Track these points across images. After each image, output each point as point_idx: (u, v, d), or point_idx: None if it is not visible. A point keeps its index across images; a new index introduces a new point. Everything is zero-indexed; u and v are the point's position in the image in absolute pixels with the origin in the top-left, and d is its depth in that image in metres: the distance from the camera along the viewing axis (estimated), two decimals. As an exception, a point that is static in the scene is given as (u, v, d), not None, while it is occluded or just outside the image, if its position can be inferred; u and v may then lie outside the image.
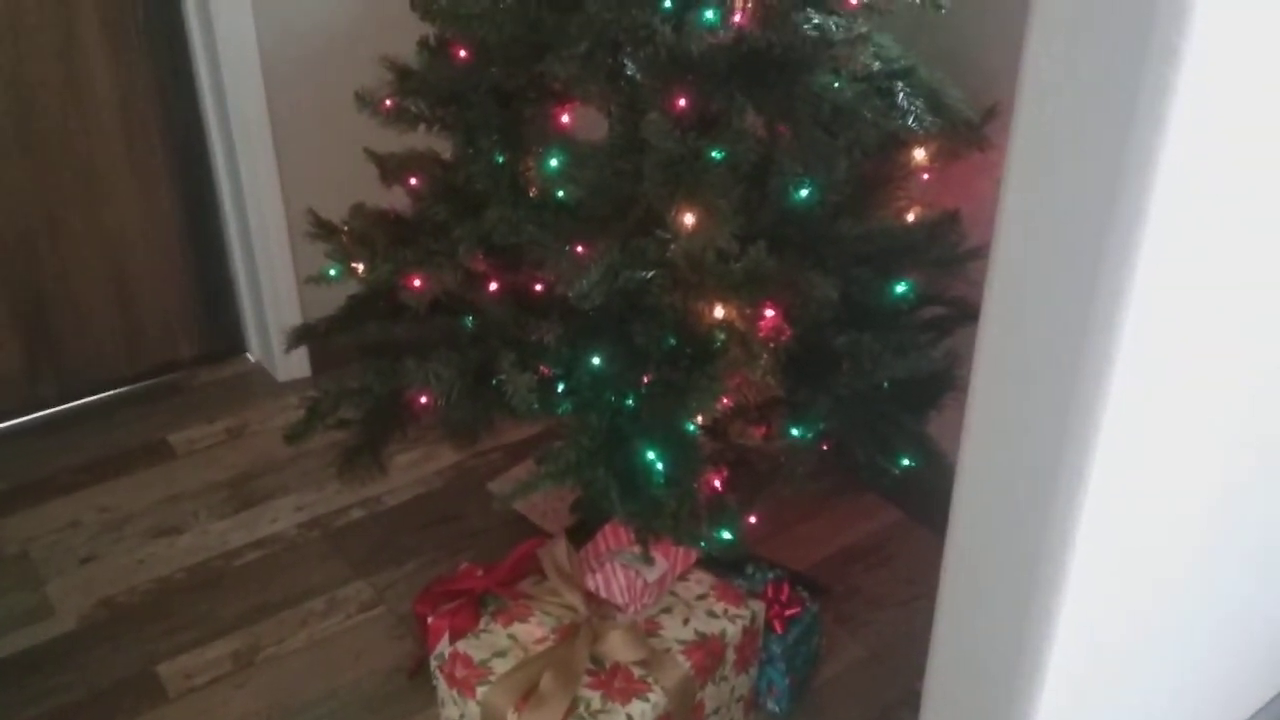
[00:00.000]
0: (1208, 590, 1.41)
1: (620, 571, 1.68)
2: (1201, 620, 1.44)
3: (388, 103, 1.68)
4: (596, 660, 1.60)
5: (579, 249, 1.52)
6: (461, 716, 1.63)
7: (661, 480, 1.57)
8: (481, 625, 1.67)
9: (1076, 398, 1.02)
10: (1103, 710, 1.33)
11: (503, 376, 1.59)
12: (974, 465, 1.17)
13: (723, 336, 1.53)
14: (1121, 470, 1.08)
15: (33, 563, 2.13)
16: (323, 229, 1.77)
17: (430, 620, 1.75)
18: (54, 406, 2.55)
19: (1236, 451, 1.27)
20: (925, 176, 1.69)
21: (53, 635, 1.98)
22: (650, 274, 1.53)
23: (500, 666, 1.60)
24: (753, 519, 1.78)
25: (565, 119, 1.60)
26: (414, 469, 2.37)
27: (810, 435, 1.70)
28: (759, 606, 1.73)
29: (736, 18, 1.41)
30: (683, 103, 1.46)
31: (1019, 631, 1.17)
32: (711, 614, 1.69)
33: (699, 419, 1.58)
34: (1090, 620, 1.18)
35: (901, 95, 1.53)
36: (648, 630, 1.66)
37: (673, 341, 1.59)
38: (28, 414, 2.52)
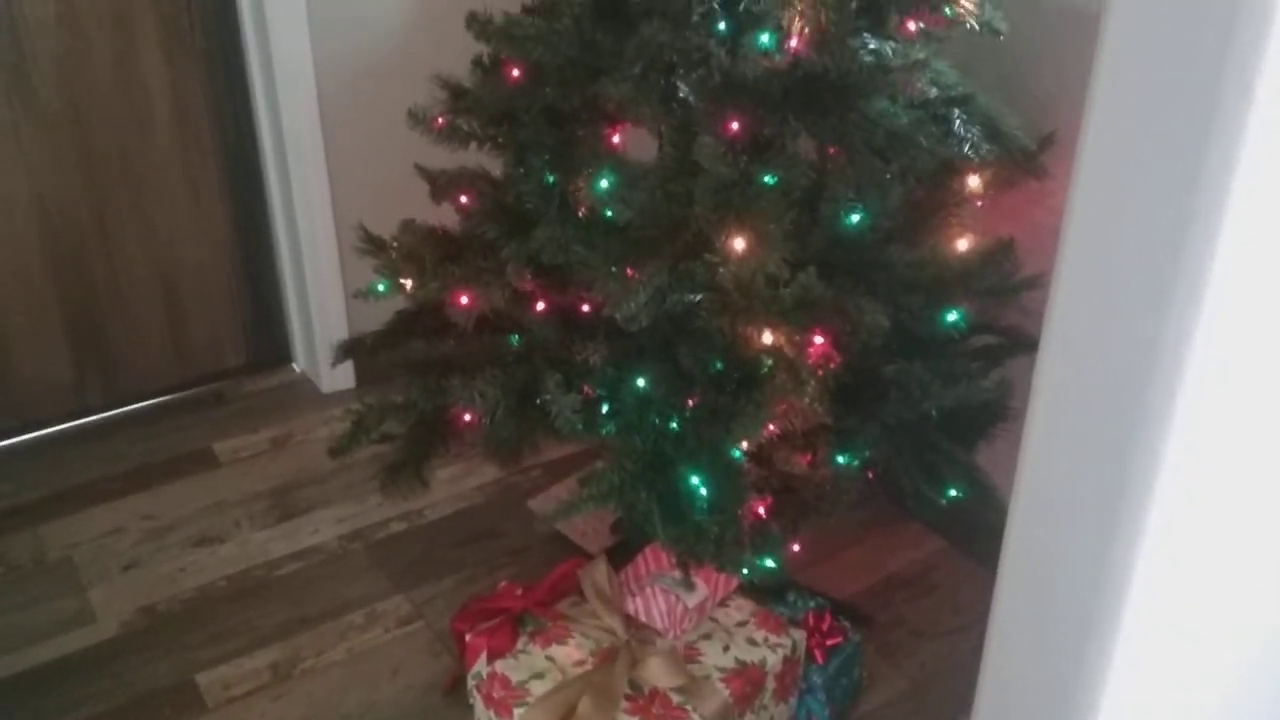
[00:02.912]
0: (1274, 643, 1.38)
1: (660, 596, 1.67)
2: (1268, 666, 1.40)
3: (440, 120, 1.69)
4: (635, 685, 1.59)
5: (627, 270, 1.52)
6: (498, 738, 1.62)
7: (704, 505, 1.55)
8: (520, 646, 1.67)
9: (1139, 433, 1.00)
10: (1155, 755, 1.30)
11: (547, 396, 1.58)
12: (1030, 500, 1.15)
13: (770, 362, 1.51)
14: (1184, 509, 1.05)
15: (75, 569, 2.15)
16: (372, 244, 1.78)
17: (468, 638, 1.74)
18: (100, 413, 2.58)
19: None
20: (979, 204, 1.67)
21: (94, 642, 1.99)
22: (698, 297, 1.52)
23: (538, 688, 1.59)
24: (795, 546, 1.76)
25: (616, 140, 1.60)
26: (455, 484, 2.37)
27: (856, 463, 1.69)
28: (800, 635, 1.71)
29: (792, 42, 1.40)
30: (735, 126, 1.45)
31: (1072, 670, 1.15)
32: (752, 642, 1.67)
33: (744, 444, 1.57)
34: (1146, 661, 1.15)
35: (958, 122, 1.52)
36: (687, 656, 1.64)
37: (719, 366, 1.58)
38: (74, 420, 2.55)
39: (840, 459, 1.67)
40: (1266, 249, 0.94)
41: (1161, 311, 0.94)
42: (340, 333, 2.50)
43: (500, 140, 1.67)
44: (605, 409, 1.64)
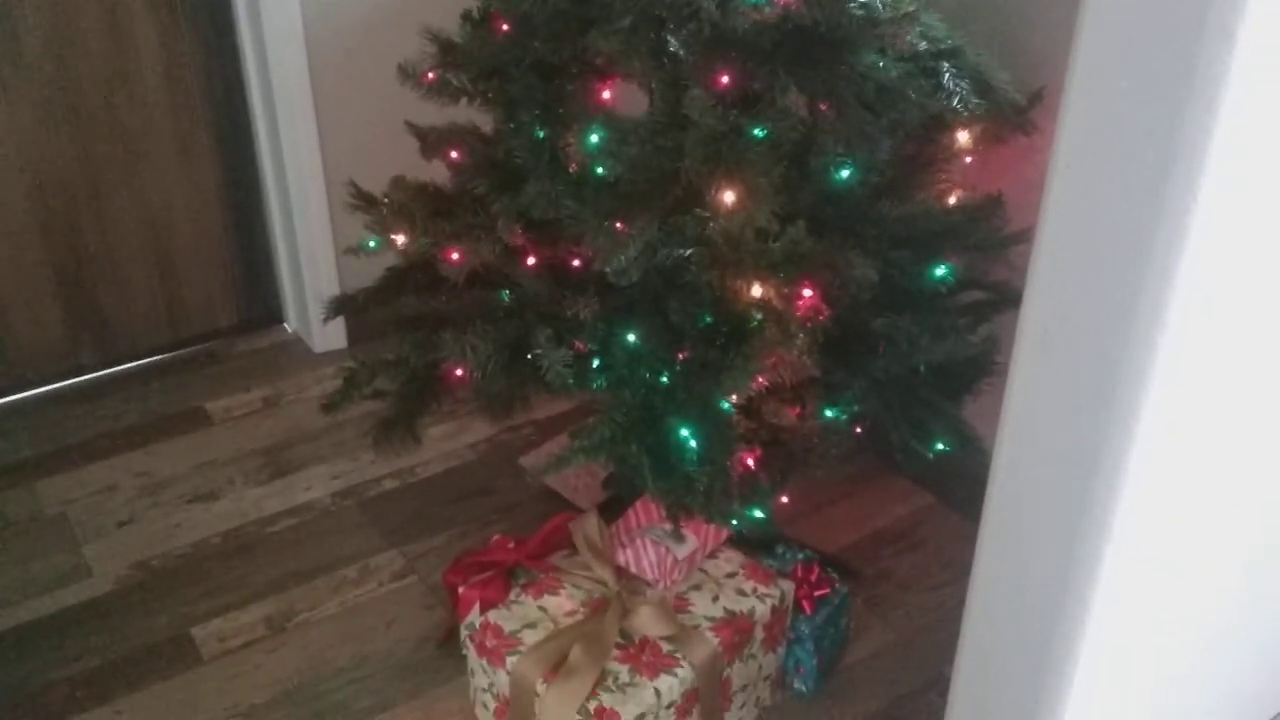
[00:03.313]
0: (1249, 587, 1.40)
1: (651, 547, 1.69)
2: (1240, 613, 1.42)
3: (430, 75, 1.69)
4: (626, 635, 1.61)
5: (618, 225, 1.52)
6: (491, 685, 1.65)
7: (694, 458, 1.57)
8: (512, 597, 1.69)
9: (1118, 385, 1.01)
10: (1134, 698, 1.33)
11: (538, 351, 1.59)
12: (1011, 452, 1.16)
13: (760, 315, 1.52)
14: (1162, 461, 1.07)
15: (71, 525, 2.17)
16: (363, 200, 1.78)
17: (461, 590, 1.76)
18: (94, 372, 2.58)
19: (1280, 443, 1.26)
20: (968, 159, 1.68)
21: (89, 596, 2.01)
22: (688, 251, 1.53)
23: (530, 637, 1.61)
24: (784, 499, 1.78)
25: (606, 95, 1.60)
26: (447, 441, 2.38)
27: (845, 417, 1.70)
28: (788, 586, 1.74)
29: (782, -5, 1.40)
30: (725, 80, 1.46)
31: (1051, 618, 1.17)
32: (741, 592, 1.69)
33: (733, 397, 1.58)
34: (1124, 609, 1.17)
35: (947, 76, 1.52)
36: (677, 607, 1.66)
37: (709, 319, 1.59)
38: (68, 379, 2.56)
39: (829, 412, 1.68)
40: (1246, 197, 0.95)
41: (1142, 263, 0.96)
42: (331, 290, 2.51)
43: (490, 95, 1.67)
44: (596, 363, 1.65)
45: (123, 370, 2.61)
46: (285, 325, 2.79)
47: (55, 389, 2.54)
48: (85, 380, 2.57)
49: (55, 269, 2.45)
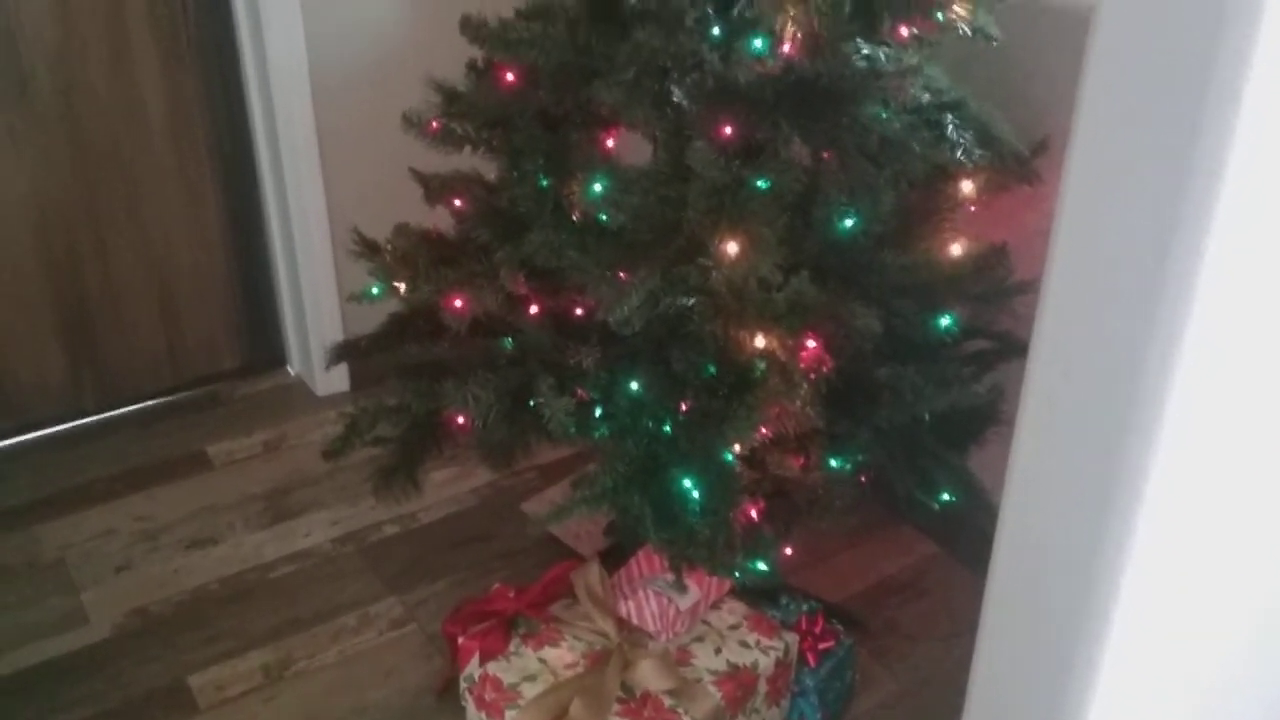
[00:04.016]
0: (1258, 644, 1.38)
1: (653, 598, 1.67)
2: (1248, 669, 1.40)
3: (434, 124, 1.69)
4: (627, 688, 1.59)
5: (620, 274, 1.52)
6: (490, 740, 1.62)
7: (697, 509, 1.56)
8: (512, 648, 1.67)
9: (1127, 438, 1.00)
10: (1144, 759, 1.31)
11: (540, 399, 1.58)
12: (1019, 503, 1.15)
13: (763, 366, 1.52)
14: (1174, 513, 1.05)
15: (68, 570, 2.15)
16: (366, 247, 1.78)
17: (460, 641, 1.74)
18: (94, 415, 2.58)
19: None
20: (972, 209, 1.67)
21: (86, 643, 1.99)
22: (691, 301, 1.53)
23: (530, 691, 1.59)
24: (788, 550, 1.77)
25: (610, 144, 1.60)
26: (448, 487, 2.37)
27: (849, 467, 1.69)
28: (792, 638, 1.72)
29: (785, 47, 1.40)
30: (728, 131, 1.46)
31: (1061, 677, 1.15)
32: (744, 644, 1.67)
33: (737, 448, 1.57)
34: (1133, 669, 1.15)
35: (951, 128, 1.52)
36: (679, 659, 1.64)
37: (712, 369, 1.59)
38: (68, 422, 2.55)
39: (833, 462, 1.67)
40: (1254, 254, 0.94)
41: (1150, 316, 0.95)
42: (334, 335, 2.50)
43: (494, 144, 1.68)
44: (598, 412, 1.64)
45: (124, 413, 2.60)
46: (288, 368, 2.78)
47: (55, 431, 2.53)
48: (86, 423, 2.57)
49: (57, 310, 2.45)
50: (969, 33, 1.51)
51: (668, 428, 1.61)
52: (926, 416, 1.66)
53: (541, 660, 1.64)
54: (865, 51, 1.47)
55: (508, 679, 1.61)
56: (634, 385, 1.60)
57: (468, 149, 1.70)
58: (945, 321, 1.65)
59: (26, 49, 2.22)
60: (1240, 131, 0.86)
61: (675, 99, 1.49)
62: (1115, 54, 0.92)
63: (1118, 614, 1.09)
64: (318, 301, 2.58)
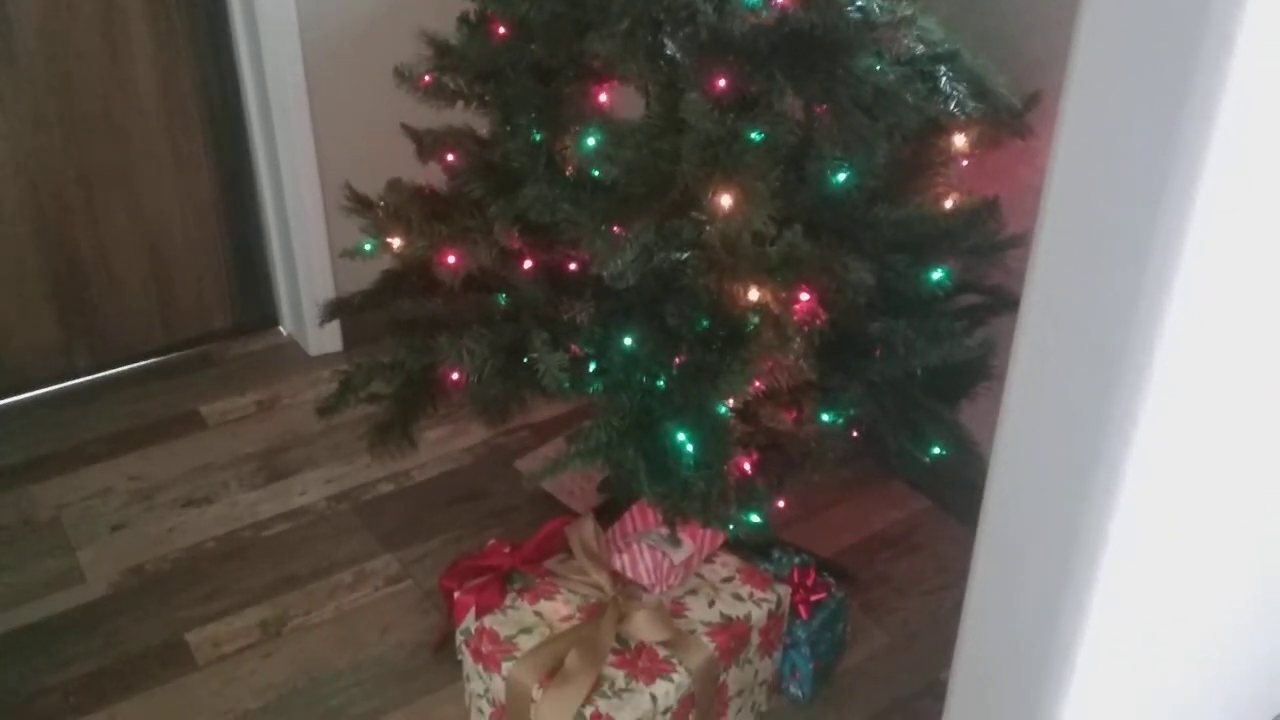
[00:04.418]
0: (1248, 587, 1.40)
1: (647, 552, 1.69)
2: (1239, 615, 1.42)
3: (426, 78, 1.68)
4: (622, 640, 1.61)
5: (614, 229, 1.52)
6: (486, 691, 1.64)
7: (691, 462, 1.56)
8: (508, 602, 1.68)
9: (1116, 390, 1.01)
10: (1132, 703, 1.33)
11: (535, 354, 1.59)
12: (1009, 456, 1.16)
13: (756, 319, 1.52)
14: (1158, 466, 1.06)
15: (64, 529, 2.16)
16: (358, 203, 1.77)
17: (456, 595, 1.76)
18: (87, 375, 2.57)
19: None
20: (965, 163, 1.67)
21: (83, 601, 2.00)
22: (685, 255, 1.53)
23: (526, 643, 1.60)
24: (781, 503, 1.78)
25: (603, 98, 1.60)
26: (443, 445, 2.38)
27: (841, 421, 1.70)
28: (784, 591, 1.73)
29: (779, -2, 1.40)
30: (722, 83, 1.45)
31: (1049, 624, 1.16)
32: (737, 597, 1.69)
33: (730, 402, 1.58)
34: (1121, 615, 1.17)
35: (944, 80, 1.52)
36: (673, 611, 1.66)
37: (705, 323, 1.59)
38: (62, 382, 2.55)
39: (825, 416, 1.68)
40: (1244, 207, 0.95)
41: (1140, 268, 0.95)
42: (327, 293, 2.50)
43: (486, 98, 1.67)
44: (592, 367, 1.65)
45: (117, 373, 2.60)
46: (280, 328, 2.78)
47: (49, 392, 2.53)
48: (79, 383, 2.56)
49: (49, 272, 2.44)
50: (963, -16, 1.50)
51: (661, 382, 1.61)
52: (918, 371, 1.67)
53: (537, 613, 1.66)
54: (859, 2, 1.47)
55: (504, 631, 1.62)
56: (628, 340, 1.61)
57: (460, 104, 1.69)
58: (937, 275, 1.65)
59: (14, 10, 2.20)
60: (1232, 82, 0.86)
61: (669, 51, 1.49)
62: (1108, 5, 0.92)
63: (1105, 562, 1.10)
64: (309, 260, 2.57)
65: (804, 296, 1.49)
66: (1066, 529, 1.11)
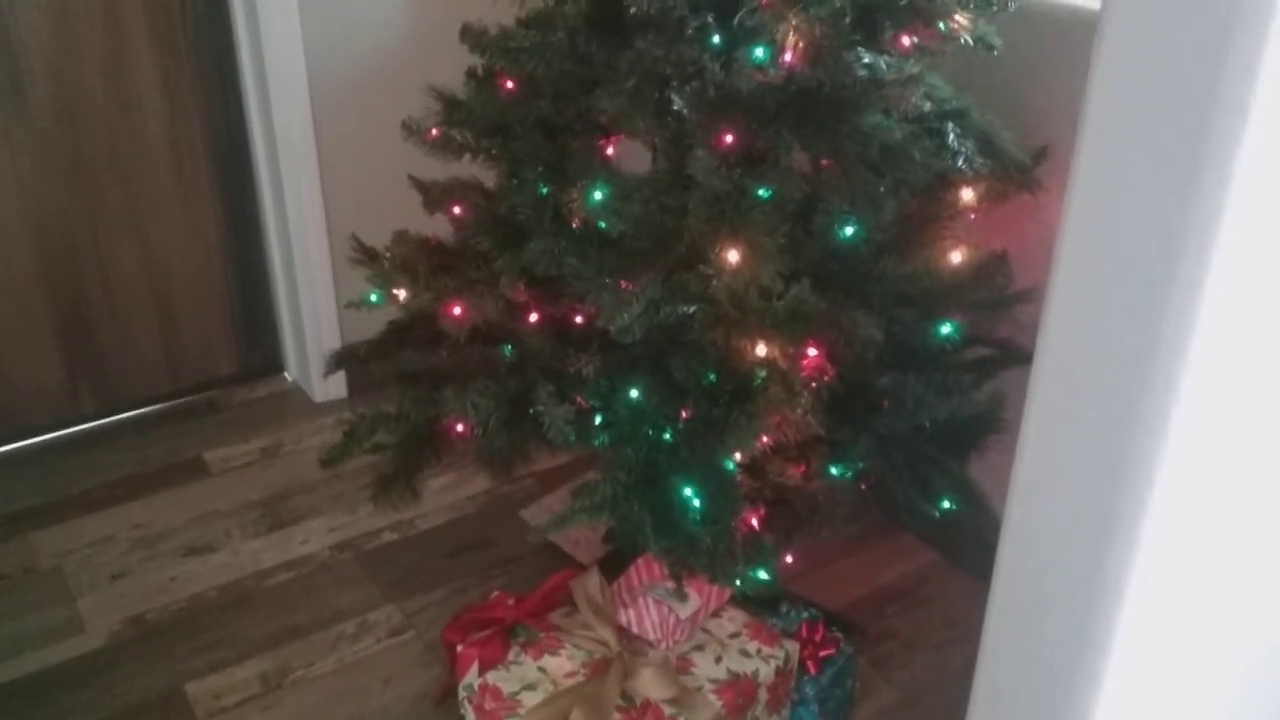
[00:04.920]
0: (1266, 654, 1.38)
1: (653, 607, 1.67)
2: (1260, 678, 1.40)
3: (434, 132, 1.69)
4: (627, 697, 1.59)
5: (621, 282, 1.52)
6: (489, 750, 1.62)
7: (698, 517, 1.55)
8: (511, 656, 1.66)
9: (1133, 447, 1.00)
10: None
11: (540, 407, 1.58)
12: (1023, 512, 1.15)
13: (764, 374, 1.51)
14: (1178, 523, 1.05)
15: (65, 578, 2.14)
16: (365, 254, 1.78)
17: (459, 649, 1.73)
18: (92, 421, 2.57)
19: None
20: (973, 217, 1.67)
21: (82, 651, 1.98)
22: (692, 309, 1.52)
23: (530, 700, 1.58)
24: (788, 558, 1.76)
25: (610, 152, 1.60)
26: (447, 494, 2.36)
27: (850, 475, 1.69)
28: (793, 646, 1.71)
29: (787, 56, 1.40)
30: (729, 140, 1.46)
31: (1065, 686, 1.15)
32: (744, 653, 1.67)
33: (737, 456, 1.57)
34: (1138, 678, 1.15)
35: (952, 136, 1.52)
36: (679, 668, 1.64)
37: (712, 378, 1.58)
38: (66, 428, 2.54)
39: (833, 470, 1.67)
40: (1261, 264, 0.94)
41: (1155, 326, 0.95)
42: (332, 342, 2.50)
43: (494, 152, 1.67)
44: (598, 420, 1.64)
45: (121, 419, 2.59)
46: (285, 375, 2.78)
47: (52, 438, 2.53)
48: (83, 429, 2.56)
49: (55, 315, 2.44)
50: (970, 42, 1.51)
51: (668, 436, 1.60)
52: (927, 424, 1.66)
53: (541, 669, 1.64)
54: (867, 60, 1.47)
55: (507, 688, 1.60)
56: (634, 393, 1.60)
57: (467, 157, 1.69)
58: (946, 329, 1.65)
59: (24, 55, 2.21)
60: (1247, 140, 0.86)
61: (676, 108, 1.49)
62: (1121, 62, 0.92)
63: (1122, 626, 1.09)
64: (316, 308, 2.57)
65: (811, 351, 1.48)
66: (1083, 587, 1.09)
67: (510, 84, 1.62)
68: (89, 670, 1.94)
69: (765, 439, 1.55)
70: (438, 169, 1.75)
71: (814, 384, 1.49)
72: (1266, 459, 1.13)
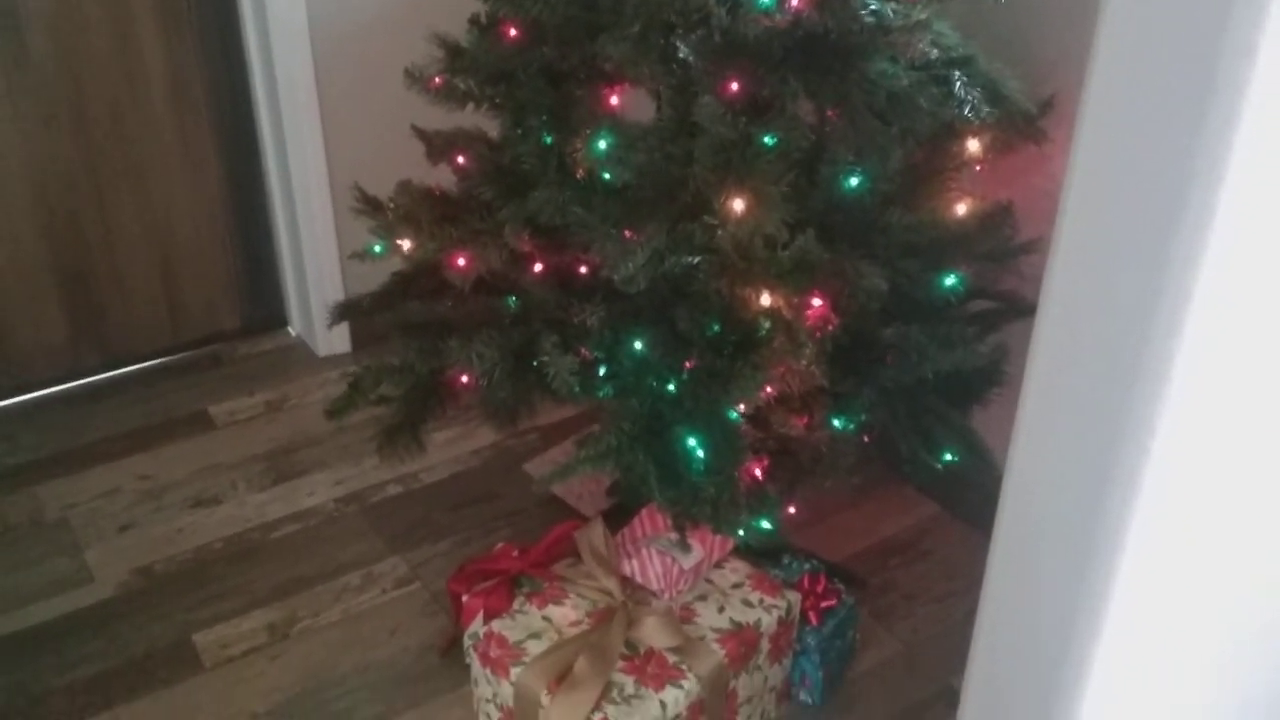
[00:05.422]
0: (1268, 591, 1.38)
1: (656, 557, 1.68)
2: (1258, 619, 1.41)
3: (437, 80, 1.68)
4: (631, 645, 1.60)
5: (625, 232, 1.51)
6: (494, 696, 1.63)
7: (701, 467, 1.56)
8: (516, 606, 1.67)
9: (1134, 398, 1.00)
10: (1149, 707, 1.31)
11: (545, 358, 1.58)
12: (1025, 463, 1.15)
13: (768, 324, 1.51)
14: (1177, 474, 1.05)
15: (72, 529, 2.16)
16: (368, 205, 1.77)
17: (465, 599, 1.75)
18: (96, 375, 2.57)
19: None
20: (978, 168, 1.66)
21: (90, 602, 2.00)
22: (697, 259, 1.52)
23: (534, 648, 1.60)
24: (791, 509, 1.77)
25: (615, 100, 1.59)
26: (451, 447, 2.37)
27: (853, 426, 1.69)
28: (795, 597, 1.72)
29: (793, 2, 1.39)
30: (735, 87, 1.44)
31: (1065, 632, 1.15)
32: (747, 603, 1.68)
33: (741, 407, 1.57)
34: (1138, 624, 1.15)
35: (958, 84, 1.51)
36: (683, 617, 1.65)
37: (717, 328, 1.58)
38: (70, 382, 2.55)
39: (837, 422, 1.67)
40: (1266, 212, 0.94)
41: (1159, 277, 0.94)
42: (336, 295, 2.50)
43: (498, 100, 1.66)
44: (602, 371, 1.64)
45: (125, 373, 2.60)
46: (289, 329, 2.78)
47: (57, 391, 2.53)
48: (87, 383, 2.56)
49: (58, 271, 2.44)
50: (978, -12, 1.49)
51: (672, 386, 1.60)
52: (930, 376, 1.66)
53: (546, 618, 1.65)
54: (873, 6, 1.46)
55: (513, 636, 1.62)
56: (638, 344, 1.60)
57: (470, 105, 1.68)
58: (950, 281, 1.64)
59: (26, 12, 2.20)
60: (1255, 83, 0.85)
61: (681, 54, 1.48)
62: (1130, 10, 0.91)
63: (1122, 576, 1.09)
64: (318, 261, 2.57)
65: (816, 302, 1.48)
66: (1083, 537, 1.09)
67: (514, 30, 1.60)
68: (97, 620, 1.96)
69: (769, 390, 1.55)
70: (441, 118, 1.74)
71: (818, 335, 1.49)
72: (1269, 407, 1.13)
